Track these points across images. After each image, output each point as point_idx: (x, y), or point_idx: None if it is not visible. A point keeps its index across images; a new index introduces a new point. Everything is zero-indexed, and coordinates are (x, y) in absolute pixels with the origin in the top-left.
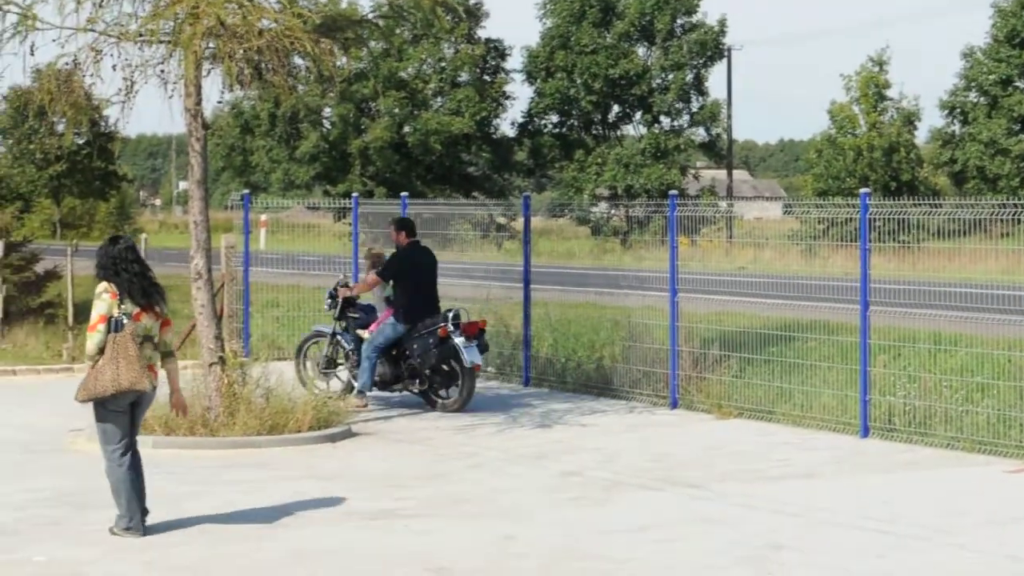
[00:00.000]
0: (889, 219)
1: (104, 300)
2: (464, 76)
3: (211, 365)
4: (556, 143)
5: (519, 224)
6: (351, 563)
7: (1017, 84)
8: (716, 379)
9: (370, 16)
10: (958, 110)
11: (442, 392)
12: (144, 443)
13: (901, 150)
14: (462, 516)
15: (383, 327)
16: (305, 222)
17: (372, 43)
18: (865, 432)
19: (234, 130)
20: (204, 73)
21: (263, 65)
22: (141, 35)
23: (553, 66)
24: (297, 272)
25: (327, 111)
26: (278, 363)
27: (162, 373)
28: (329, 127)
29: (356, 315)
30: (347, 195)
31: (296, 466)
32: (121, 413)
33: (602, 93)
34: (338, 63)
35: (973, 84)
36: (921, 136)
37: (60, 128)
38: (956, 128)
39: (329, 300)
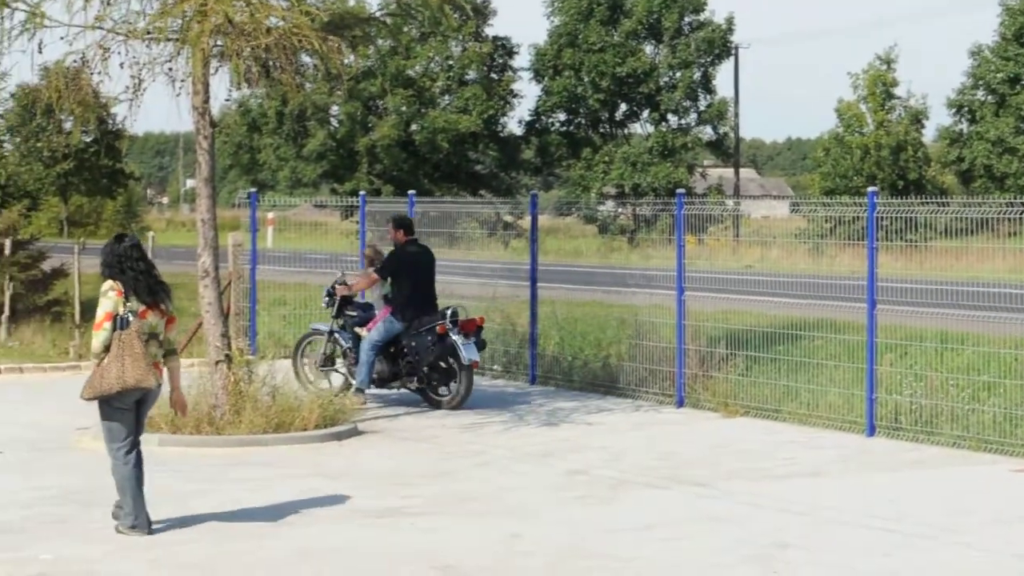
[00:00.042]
0: (896, 218)
1: (110, 298)
2: (471, 74)
3: (217, 363)
4: (563, 141)
5: (526, 222)
6: (357, 561)
7: None
8: (722, 378)
9: (378, 14)
10: (966, 109)
11: (440, 389)
12: (150, 441)
13: (908, 149)
14: (468, 514)
15: (381, 325)
16: (312, 220)
17: (380, 41)
18: (871, 431)
19: (241, 128)
20: (212, 71)
21: (271, 63)
22: (149, 33)
23: (560, 64)
24: (304, 270)
25: (334, 109)
26: (284, 361)
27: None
28: (336, 125)
29: (354, 313)
30: (354, 193)
31: (302, 464)
32: (126, 411)
33: (609, 91)
34: (346, 61)
35: (981, 82)
36: (928, 135)
37: (68, 126)
38: (964, 127)
39: (327, 298)
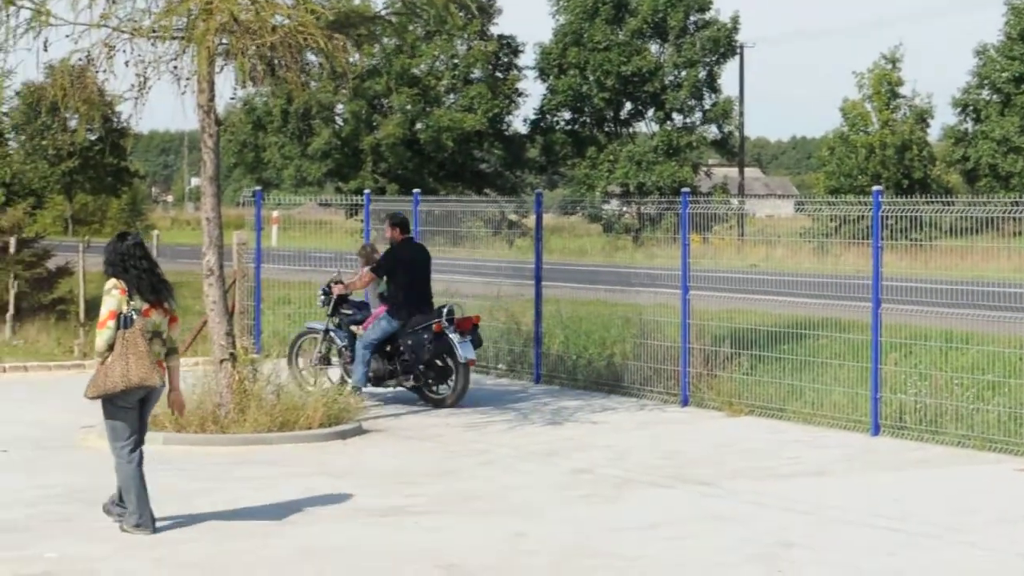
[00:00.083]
0: (901, 217)
1: (113, 296)
2: (477, 73)
3: (222, 361)
4: (568, 140)
5: (531, 221)
6: (360, 560)
7: None
8: (727, 377)
9: (383, 12)
10: (971, 108)
11: (436, 387)
12: (155, 440)
13: (913, 148)
14: (472, 513)
15: (377, 323)
16: (317, 219)
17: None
18: (876, 430)
19: (246, 126)
20: (217, 69)
21: (276, 61)
22: (154, 31)
23: (566, 63)
24: (309, 269)
25: (339, 107)
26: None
27: None
28: (341, 124)
29: (350, 311)
30: (359, 192)
31: (307, 463)
32: (130, 409)
33: (614, 90)
34: (351, 59)
35: (986, 82)
36: (934, 134)
37: (73, 124)
38: (968, 126)
39: (323, 296)
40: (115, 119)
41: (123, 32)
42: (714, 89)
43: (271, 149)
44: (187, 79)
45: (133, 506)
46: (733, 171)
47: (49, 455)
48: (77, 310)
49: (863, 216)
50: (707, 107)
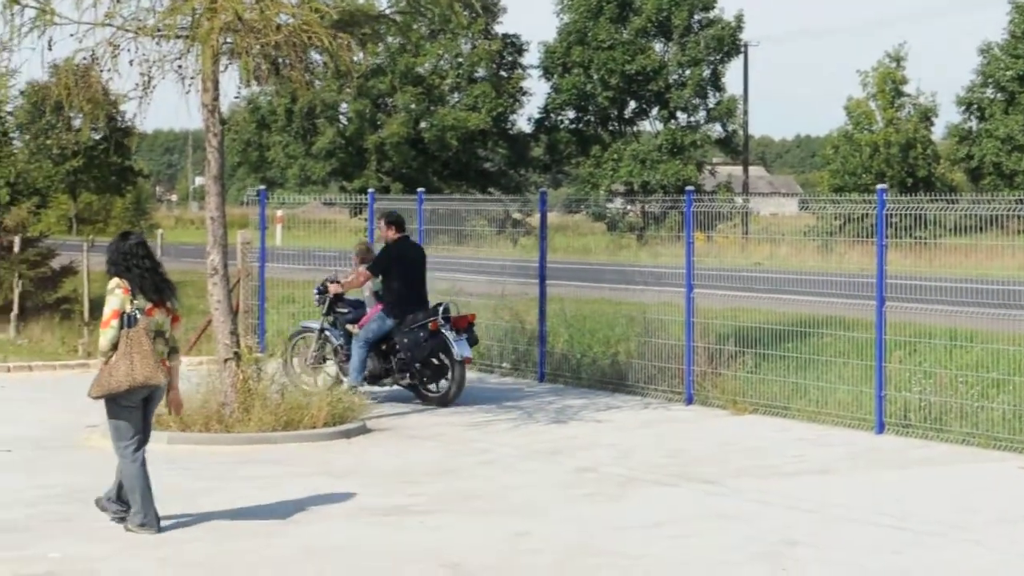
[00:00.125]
0: (906, 215)
1: (117, 296)
2: (481, 72)
3: (226, 361)
4: (572, 139)
5: (535, 220)
6: (363, 559)
7: None
8: (731, 375)
9: (387, 11)
10: (975, 106)
11: (431, 386)
12: (160, 439)
13: (918, 146)
14: (475, 512)
15: (373, 322)
16: (321, 218)
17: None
18: (880, 428)
19: (250, 126)
20: (221, 68)
21: (280, 60)
22: (159, 30)
23: (570, 62)
24: (313, 268)
25: (344, 107)
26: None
27: None
28: (345, 123)
29: (345, 310)
30: (363, 191)
31: (310, 462)
32: (134, 409)
33: (619, 89)
34: (355, 58)
35: (990, 80)
36: (938, 132)
37: (77, 123)
38: (973, 124)
39: (318, 296)
40: (119, 118)
41: (127, 31)
42: (718, 88)
43: (275, 148)
44: (191, 78)
45: (138, 505)
46: (737, 169)
47: (52, 455)
48: (81, 309)
49: (867, 214)
50: (711, 106)
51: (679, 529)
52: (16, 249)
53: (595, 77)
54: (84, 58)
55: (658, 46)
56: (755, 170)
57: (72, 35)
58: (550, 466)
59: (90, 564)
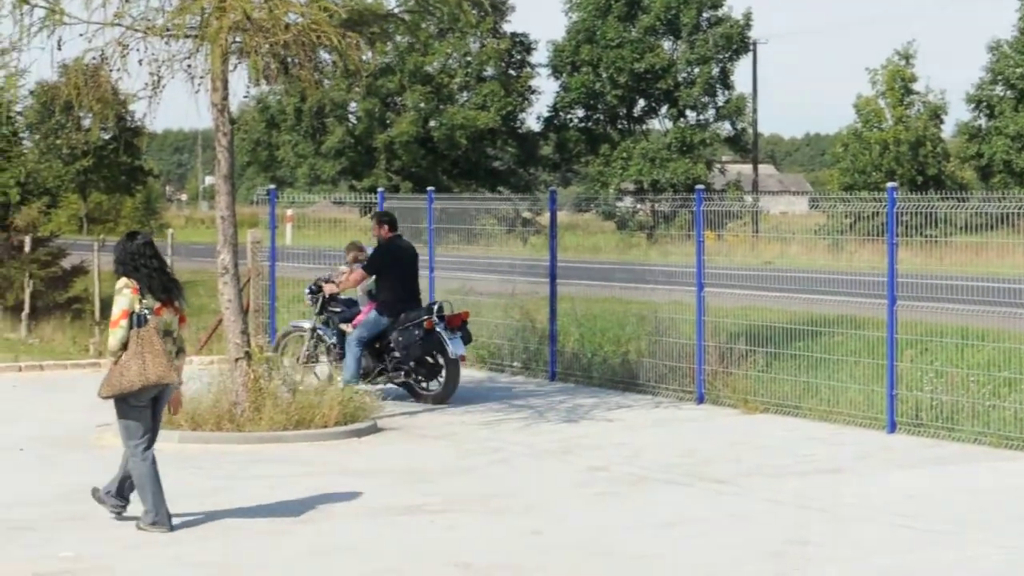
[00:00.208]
0: (916, 213)
1: (125, 296)
2: (490, 71)
3: (237, 360)
4: (582, 137)
5: (545, 219)
6: (375, 558)
7: None
8: (742, 374)
9: (396, 10)
10: (984, 104)
11: (424, 384)
12: (171, 438)
13: (927, 144)
14: (487, 511)
15: (367, 321)
16: (331, 217)
17: (398, 37)
18: (892, 427)
19: (260, 125)
20: (230, 68)
21: (289, 59)
22: (168, 29)
23: (579, 60)
24: (323, 267)
25: (353, 106)
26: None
27: None
28: (355, 122)
29: (338, 309)
30: (372, 190)
31: (322, 461)
32: (143, 408)
33: (628, 87)
34: (364, 57)
35: (1000, 78)
36: (947, 130)
37: (87, 123)
38: (982, 122)
39: (310, 295)
40: (129, 118)
41: (137, 31)
42: (727, 86)
43: (285, 147)
44: (201, 77)
45: (149, 504)
46: (747, 168)
47: (64, 454)
48: (92, 309)
49: (878, 212)
50: (720, 104)
51: (691, 528)
52: (27, 249)
53: (604, 76)
54: (94, 58)
55: (667, 44)
56: (765, 168)
57: (81, 35)
58: (562, 465)
59: (104, 563)
